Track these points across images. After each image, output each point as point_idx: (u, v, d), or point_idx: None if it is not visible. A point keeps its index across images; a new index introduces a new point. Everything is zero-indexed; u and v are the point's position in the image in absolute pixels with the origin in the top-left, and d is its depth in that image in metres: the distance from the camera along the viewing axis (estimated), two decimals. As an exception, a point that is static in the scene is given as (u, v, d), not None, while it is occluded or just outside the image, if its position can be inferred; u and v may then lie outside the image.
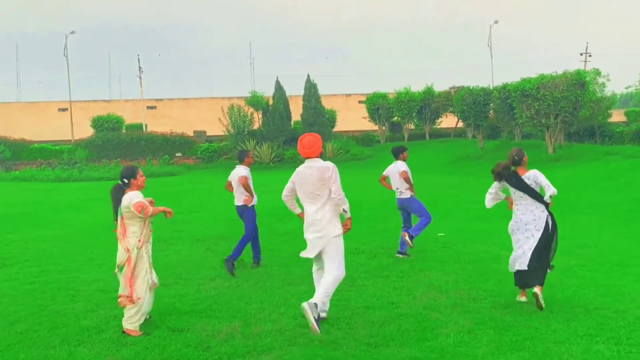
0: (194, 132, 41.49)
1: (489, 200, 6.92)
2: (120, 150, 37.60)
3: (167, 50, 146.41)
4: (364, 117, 42.35)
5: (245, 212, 8.93)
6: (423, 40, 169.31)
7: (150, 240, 6.10)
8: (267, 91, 37.75)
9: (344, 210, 6.03)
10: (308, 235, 6.08)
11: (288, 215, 12.27)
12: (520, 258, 6.62)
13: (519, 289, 6.78)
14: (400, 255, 9.30)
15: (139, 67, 50.14)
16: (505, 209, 7.18)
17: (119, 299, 5.92)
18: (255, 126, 36.85)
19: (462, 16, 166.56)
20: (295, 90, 39.99)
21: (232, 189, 9.08)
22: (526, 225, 6.64)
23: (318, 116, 35.70)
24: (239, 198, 8.97)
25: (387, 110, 39.39)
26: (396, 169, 9.45)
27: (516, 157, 6.74)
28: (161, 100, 56.15)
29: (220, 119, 36.09)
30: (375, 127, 42.38)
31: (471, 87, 32.29)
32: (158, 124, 46.74)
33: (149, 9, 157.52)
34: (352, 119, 46.33)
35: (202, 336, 5.71)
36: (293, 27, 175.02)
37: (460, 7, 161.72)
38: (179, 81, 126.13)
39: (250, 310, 6.55)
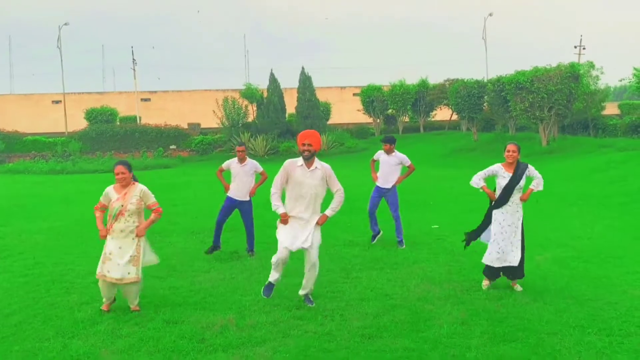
0: (188, 124, 41.30)
1: (478, 180, 6.94)
2: (114, 142, 37.42)
3: (161, 43, 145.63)
4: (358, 110, 42.36)
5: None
6: (418, 33, 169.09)
7: (116, 234, 6.27)
8: (262, 83, 37.73)
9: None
10: None
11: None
12: (512, 252, 6.78)
13: (492, 278, 6.98)
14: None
15: (133, 59, 49.87)
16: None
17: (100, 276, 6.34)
18: (250, 119, 36.77)
19: (457, 8, 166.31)
20: (289, 83, 39.94)
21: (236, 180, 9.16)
22: (519, 221, 6.87)
23: (312, 109, 35.65)
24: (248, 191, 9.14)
25: (382, 102, 39.41)
26: (398, 160, 9.58)
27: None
28: (155, 92, 55.91)
29: (214, 112, 35.99)
30: (370, 120, 42.39)
31: (466, 80, 32.31)
32: (152, 117, 46.54)
33: (143, 0, 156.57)
34: (347, 112, 46.32)
35: (196, 328, 5.73)
36: (288, 19, 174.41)
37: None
38: (173, 73, 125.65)
39: (244, 302, 6.57)
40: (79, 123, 40.61)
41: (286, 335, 5.51)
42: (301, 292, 6.48)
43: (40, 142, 37.34)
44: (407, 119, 40.40)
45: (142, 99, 51.83)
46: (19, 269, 8.49)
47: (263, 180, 9.44)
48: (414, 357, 4.94)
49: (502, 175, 6.83)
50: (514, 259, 6.79)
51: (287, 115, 36.96)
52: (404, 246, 9.47)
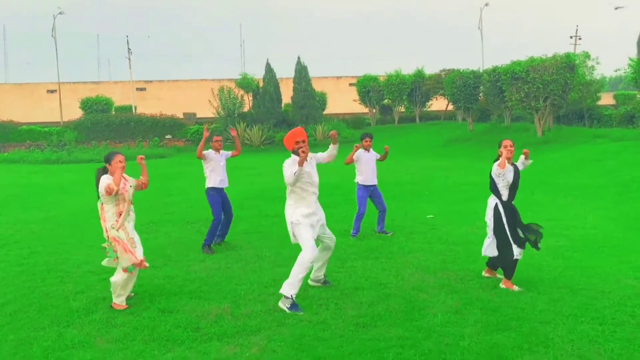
0: (184, 114, 41.12)
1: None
2: (110, 132, 37.29)
3: (156, 32, 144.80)
4: (354, 100, 42.26)
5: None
6: (414, 23, 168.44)
7: (131, 222, 6.17)
8: (258, 73, 37.58)
9: None
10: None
11: (277, 197, 12.28)
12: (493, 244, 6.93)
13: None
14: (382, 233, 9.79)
15: (128, 48, 49.64)
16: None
17: (142, 264, 6.10)
18: (246, 108, 36.65)
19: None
20: (285, 73, 39.80)
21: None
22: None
23: (308, 99, 35.55)
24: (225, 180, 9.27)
25: (378, 93, 39.30)
26: (374, 155, 9.78)
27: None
28: (151, 82, 55.69)
29: (210, 101, 35.88)
30: (366, 110, 42.31)
31: (461, 70, 32.24)
32: (147, 106, 46.36)
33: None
34: (343, 102, 46.22)
35: (191, 317, 5.75)
36: (284, 8, 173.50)
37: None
38: (169, 63, 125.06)
39: (239, 291, 6.59)
40: (74, 112, 40.41)
41: (281, 324, 5.54)
42: (322, 273, 6.82)
43: (35, 132, 37.17)
44: (403, 109, 40.31)
45: (137, 89, 51.64)
46: (14, 259, 8.50)
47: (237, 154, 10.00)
48: (408, 346, 4.97)
49: (509, 169, 6.69)
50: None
51: (283, 105, 36.85)
52: (391, 233, 9.72)
